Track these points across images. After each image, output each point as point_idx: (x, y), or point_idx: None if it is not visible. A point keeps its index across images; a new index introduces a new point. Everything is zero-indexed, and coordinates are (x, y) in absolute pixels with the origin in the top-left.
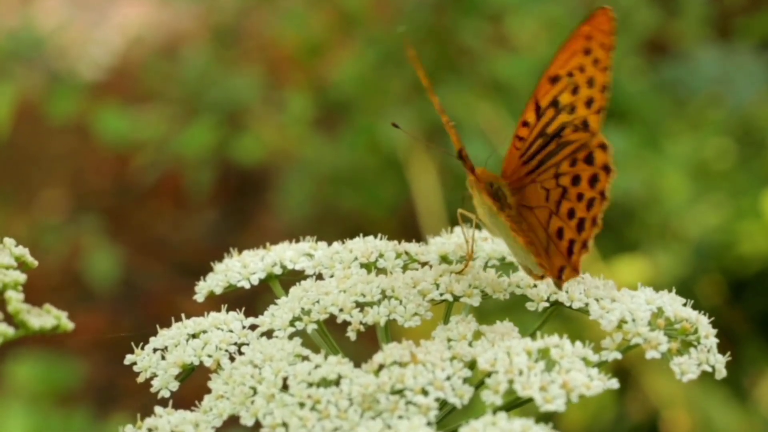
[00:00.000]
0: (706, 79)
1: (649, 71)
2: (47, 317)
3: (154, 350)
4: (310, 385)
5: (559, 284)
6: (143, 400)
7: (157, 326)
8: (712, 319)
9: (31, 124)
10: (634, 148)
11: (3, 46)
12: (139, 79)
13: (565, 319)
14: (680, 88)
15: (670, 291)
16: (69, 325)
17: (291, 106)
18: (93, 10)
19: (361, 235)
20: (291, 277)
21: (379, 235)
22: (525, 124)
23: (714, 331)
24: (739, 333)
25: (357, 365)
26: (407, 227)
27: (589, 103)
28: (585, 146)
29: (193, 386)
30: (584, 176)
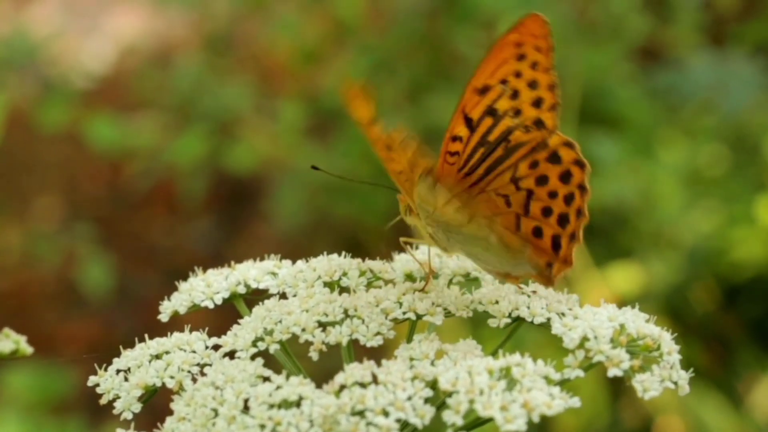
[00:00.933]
0: (699, 86)
1: (642, 78)
2: (6, 342)
3: (117, 371)
4: (271, 406)
5: (551, 281)
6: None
7: (121, 347)
8: (676, 338)
9: (23, 132)
10: (628, 155)
11: None
12: (131, 88)
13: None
14: (673, 95)
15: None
16: (28, 349)
17: (284, 114)
18: (86, 18)
19: (344, 253)
20: (255, 296)
21: (343, 252)
22: (455, 138)
23: (677, 347)
24: (732, 339)
25: (325, 381)
26: (401, 235)
27: (537, 103)
28: (544, 146)
29: (162, 405)
30: (552, 174)
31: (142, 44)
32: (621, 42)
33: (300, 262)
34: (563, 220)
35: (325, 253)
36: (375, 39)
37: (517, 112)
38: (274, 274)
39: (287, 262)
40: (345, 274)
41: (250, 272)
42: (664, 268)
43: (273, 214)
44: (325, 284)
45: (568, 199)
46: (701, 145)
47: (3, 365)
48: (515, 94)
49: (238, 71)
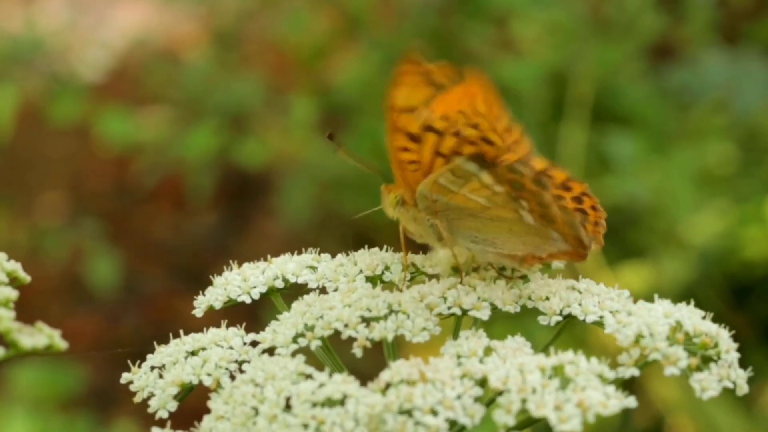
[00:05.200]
0: (711, 85)
1: (654, 76)
2: (39, 336)
3: (152, 368)
4: (314, 405)
5: (585, 255)
6: (145, 406)
7: (155, 343)
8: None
9: (31, 127)
10: (640, 153)
11: (3, 48)
12: (140, 82)
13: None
14: (685, 94)
15: (686, 300)
16: (62, 344)
17: (294, 109)
18: (93, 13)
19: (366, 247)
20: (293, 291)
21: (385, 246)
22: (405, 149)
23: (735, 345)
24: (743, 339)
25: (363, 382)
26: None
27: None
28: (524, 163)
29: (195, 404)
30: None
31: (150, 38)
32: (634, 40)
33: (340, 256)
34: (579, 212)
35: (366, 246)
36: (386, 34)
37: (488, 142)
38: (313, 267)
39: (326, 256)
40: (387, 268)
41: (287, 266)
42: (675, 268)
43: (280, 210)
44: (367, 279)
45: (578, 200)
46: (712, 145)
47: (11, 361)
48: (475, 126)
49: (247, 66)
